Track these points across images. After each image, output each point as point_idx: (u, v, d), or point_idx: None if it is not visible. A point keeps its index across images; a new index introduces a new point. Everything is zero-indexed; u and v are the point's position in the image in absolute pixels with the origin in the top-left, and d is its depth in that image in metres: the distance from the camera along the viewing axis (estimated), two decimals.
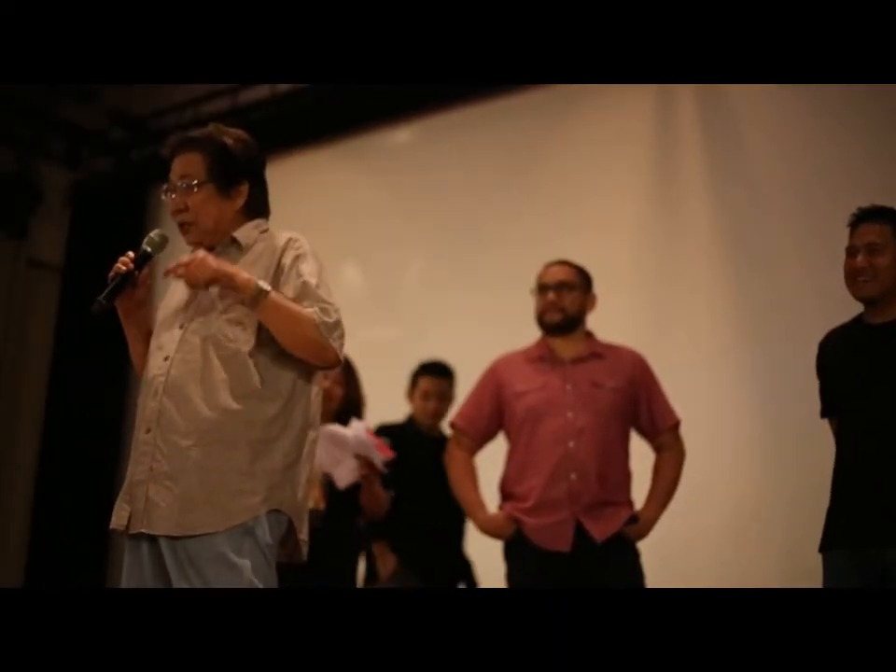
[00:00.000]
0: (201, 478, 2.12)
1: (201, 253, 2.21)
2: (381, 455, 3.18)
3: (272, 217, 2.43)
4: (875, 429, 2.52)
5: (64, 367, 6.11)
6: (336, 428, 3.16)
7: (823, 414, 2.71)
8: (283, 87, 5.41)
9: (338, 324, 2.20)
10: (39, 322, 6.35)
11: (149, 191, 6.18)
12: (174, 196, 2.31)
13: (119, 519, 2.19)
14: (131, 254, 2.26)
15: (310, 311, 2.17)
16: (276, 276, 2.24)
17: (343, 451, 3.14)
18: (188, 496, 2.11)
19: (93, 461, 5.76)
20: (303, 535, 2.25)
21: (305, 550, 2.27)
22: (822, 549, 2.57)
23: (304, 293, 2.20)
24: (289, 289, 2.21)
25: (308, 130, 5.53)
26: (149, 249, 2.28)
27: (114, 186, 6.31)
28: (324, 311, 2.18)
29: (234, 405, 2.15)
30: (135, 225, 6.07)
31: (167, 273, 2.24)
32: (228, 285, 2.18)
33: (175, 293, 2.35)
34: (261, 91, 5.51)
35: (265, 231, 2.35)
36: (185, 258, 2.22)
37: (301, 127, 5.48)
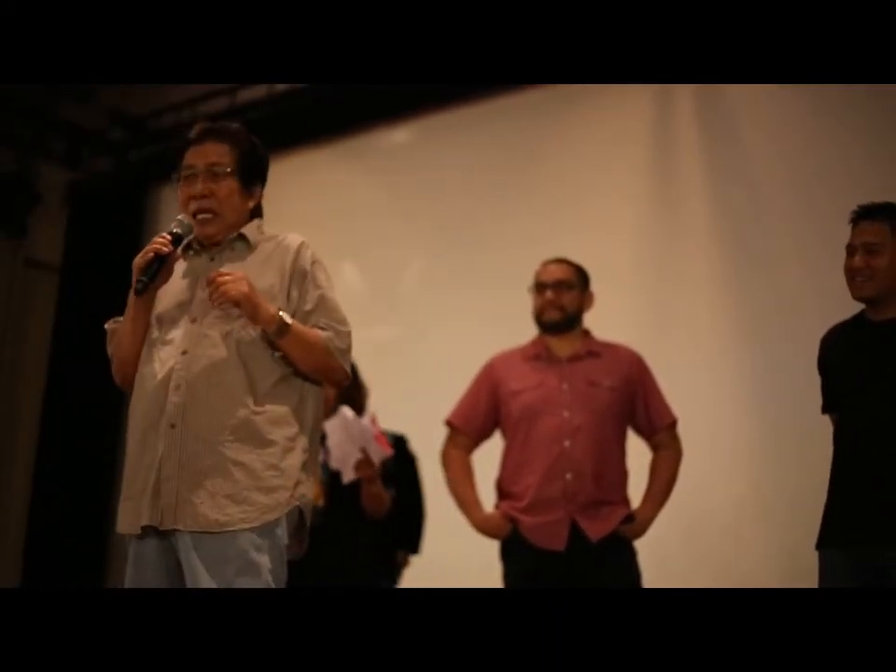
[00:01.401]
0: (235, 474, 2.11)
1: (242, 273, 2.16)
2: (379, 448, 3.17)
3: (270, 216, 2.43)
4: (873, 426, 2.51)
5: (63, 367, 6.10)
6: (350, 415, 3.15)
7: (824, 410, 2.71)
8: (280, 87, 5.41)
9: (349, 348, 2.26)
10: (38, 322, 6.35)
11: (148, 191, 6.20)
12: (197, 182, 2.25)
13: (145, 518, 2.12)
14: (167, 235, 2.22)
15: (324, 336, 2.21)
16: (293, 278, 2.25)
17: (353, 445, 3.14)
18: (223, 492, 2.10)
19: (92, 461, 5.76)
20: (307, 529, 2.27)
21: (306, 544, 2.28)
22: (819, 546, 2.57)
23: (321, 307, 2.25)
24: (309, 299, 2.24)
25: (306, 129, 5.53)
26: (180, 231, 2.25)
27: (113, 186, 6.31)
28: (338, 335, 2.23)
29: (262, 401, 2.16)
30: (134, 225, 6.08)
31: (209, 281, 2.16)
32: (249, 312, 2.15)
33: (171, 287, 2.29)
34: (259, 91, 5.52)
35: (262, 232, 2.36)
36: (226, 271, 2.18)
37: (299, 126, 5.48)
